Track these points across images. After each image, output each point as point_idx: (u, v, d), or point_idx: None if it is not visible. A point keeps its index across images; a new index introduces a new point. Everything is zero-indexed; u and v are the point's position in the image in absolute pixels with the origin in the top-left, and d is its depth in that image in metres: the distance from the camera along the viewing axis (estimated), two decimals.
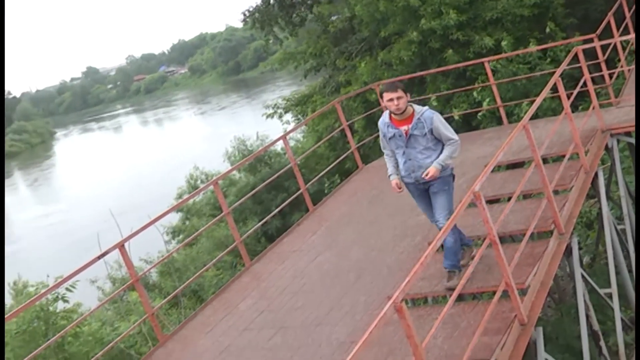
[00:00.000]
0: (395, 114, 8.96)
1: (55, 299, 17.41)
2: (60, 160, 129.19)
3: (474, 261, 7.85)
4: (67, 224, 60.43)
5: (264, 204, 28.21)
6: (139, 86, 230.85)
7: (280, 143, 20.99)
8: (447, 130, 8.97)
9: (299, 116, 27.04)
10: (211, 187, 15.74)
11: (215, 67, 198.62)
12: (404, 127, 8.98)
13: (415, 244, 11.00)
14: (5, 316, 12.59)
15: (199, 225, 28.63)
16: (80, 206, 67.84)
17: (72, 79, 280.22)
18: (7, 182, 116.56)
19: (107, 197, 57.66)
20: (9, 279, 21.64)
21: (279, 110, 27.22)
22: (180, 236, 30.74)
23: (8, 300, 21.78)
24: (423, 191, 9.24)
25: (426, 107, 9.06)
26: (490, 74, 16.33)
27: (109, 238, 15.63)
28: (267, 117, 27.32)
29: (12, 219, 77.41)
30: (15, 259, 48.19)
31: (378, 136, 18.80)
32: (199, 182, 34.02)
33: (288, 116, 28.31)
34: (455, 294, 7.34)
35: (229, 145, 34.90)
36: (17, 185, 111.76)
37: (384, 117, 9.22)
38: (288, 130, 17.80)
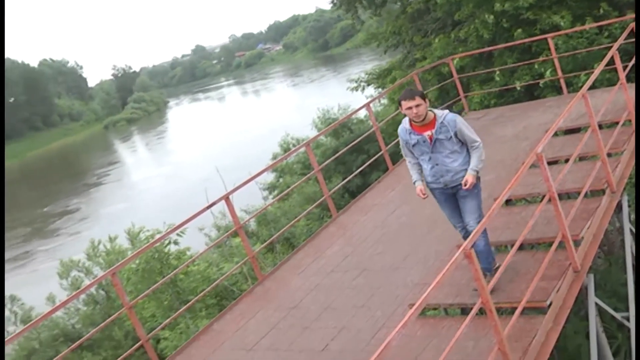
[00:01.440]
0: (415, 121, 7.95)
1: (169, 243, 17.85)
2: (172, 126, 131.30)
3: (534, 215, 7.77)
4: (177, 181, 61.48)
5: (346, 165, 28.22)
6: (240, 61, 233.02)
7: (361, 112, 20.96)
8: (470, 132, 7.99)
9: (379, 89, 26.86)
10: (302, 149, 15.85)
11: (306, 44, 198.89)
12: (428, 133, 7.93)
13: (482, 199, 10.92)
14: (128, 257, 12.88)
15: (290, 182, 28.86)
16: (188, 165, 68.95)
17: (183, 56, 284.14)
18: (127, 144, 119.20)
19: (212, 158, 58.45)
20: (126, 227, 22.14)
21: (362, 84, 27.05)
22: (275, 191, 31.01)
23: (125, 244, 22.28)
24: (450, 196, 8.18)
25: (447, 111, 8.07)
26: (553, 48, 16.04)
27: (214, 193, 15.88)
28: (352, 90, 27.19)
29: (131, 176, 79.20)
30: (133, 209, 49.39)
31: (449, 104, 18.52)
32: (290, 145, 34.15)
33: (370, 90, 28.16)
34: (516, 246, 7.32)
35: (316, 114, 35.03)
36: (136, 147, 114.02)
37: (404, 124, 8.12)
38: (371, 99, 17.73)
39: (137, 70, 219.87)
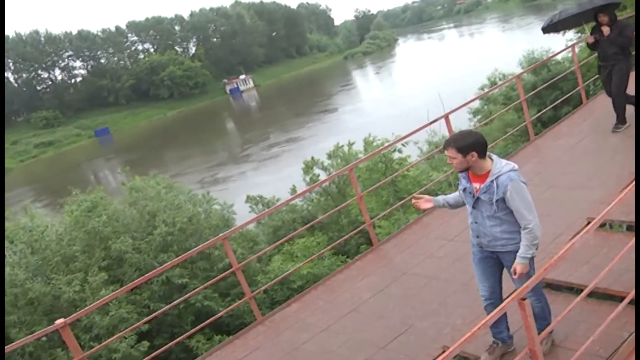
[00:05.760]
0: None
1: (394, 150, 18.16)
2: (399, 59, 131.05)
3: None
4: (402, 103, 61.66)
5: (542, 98, 26.97)
6: (460, 8, 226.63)
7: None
8: (523, 205, 5.36)
9: (579, 34, 25.25)
10: (508, 83, 15.40)
11: None
12: (476, 185, 5.55)
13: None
14: (363, 157, 13.29)
15: (493, 110, 28.10)
16: (411, 90, 68.82)
17: (413, 2, 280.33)
18: (361, 72, 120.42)
19: (430, 86, 57.91)
20: (363, 136, 22.46)
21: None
22: (479, 116, 30.36)
23: (358, 149, 22.65)
24: (486, 258, 5.83)
25: (507, 167, 5.44)
26: None
27: (431, 115, 15.88)
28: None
29: (362, 98, 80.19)
30: (366, 124, 50.15)
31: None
32: (497, 79, 33.05)
33: (569, 34, 26.54)
34: None
35: (522, 55, 33.62)
36: (368, 74, 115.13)
37: None
38: (574, 42, 16.82)
39: (374, 13, 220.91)
